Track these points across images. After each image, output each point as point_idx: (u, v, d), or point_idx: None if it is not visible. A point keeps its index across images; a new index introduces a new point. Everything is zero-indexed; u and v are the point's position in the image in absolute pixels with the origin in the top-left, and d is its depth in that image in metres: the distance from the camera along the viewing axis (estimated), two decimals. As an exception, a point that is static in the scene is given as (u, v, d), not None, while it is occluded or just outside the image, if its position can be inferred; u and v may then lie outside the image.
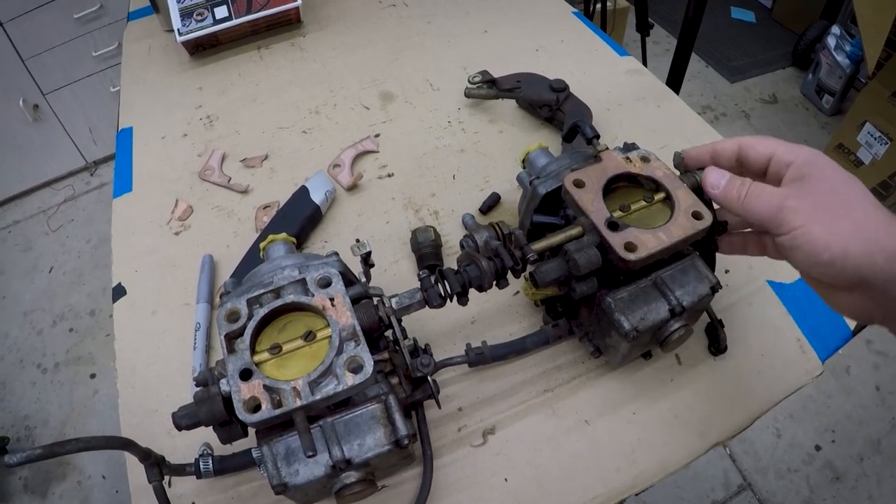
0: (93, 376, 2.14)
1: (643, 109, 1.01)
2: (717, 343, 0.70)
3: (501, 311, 0.75)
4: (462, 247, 0.72)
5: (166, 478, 0.62)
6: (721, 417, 0.67)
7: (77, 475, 1.92)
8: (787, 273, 0.78)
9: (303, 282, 0.54)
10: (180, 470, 0.58)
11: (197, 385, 0.55)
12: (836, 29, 2.68)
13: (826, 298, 0.52)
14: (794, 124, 2.80)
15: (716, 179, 0.54)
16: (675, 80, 1.86)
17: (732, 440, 1.73)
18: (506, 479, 0.63)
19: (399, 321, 0.55)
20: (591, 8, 2.24)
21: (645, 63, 2.16)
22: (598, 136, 0.66)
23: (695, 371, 0.70)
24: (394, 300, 0.56)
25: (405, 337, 0.57)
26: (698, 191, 0.59)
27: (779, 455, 1.82)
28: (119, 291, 0.83)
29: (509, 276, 0.59)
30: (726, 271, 0.79)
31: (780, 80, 3.08)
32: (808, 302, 0.76)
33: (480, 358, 0.67)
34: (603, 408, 0.67)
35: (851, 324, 0.74)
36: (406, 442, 0.50)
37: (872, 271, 0.44)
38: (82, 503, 1.87)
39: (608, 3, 2.55)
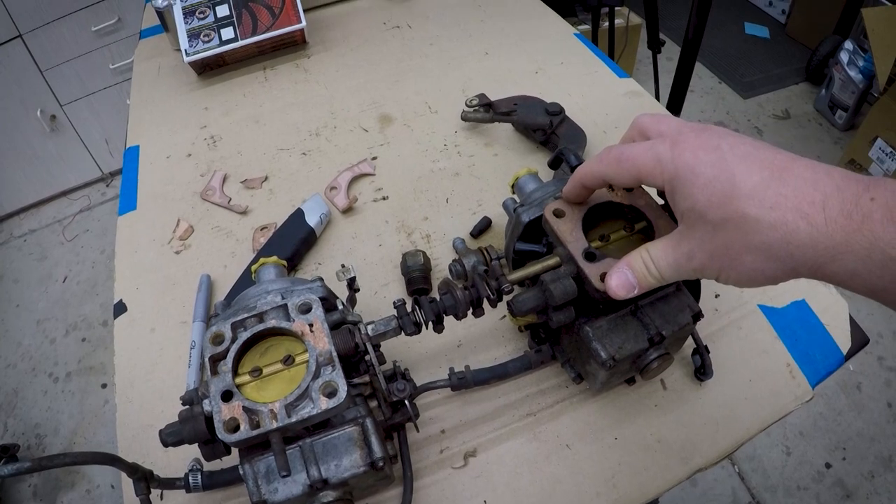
0: (104, 386, 2.18)
1: (640, 132, 1.02)
2: (702, 369, 0.71)
3: (487, 335, 0.76)
4: (450, 270, 0.74)
5: (158, 492, 0.64)
6: (705, 443, 0.67)
7: (86, 484, 1.95)
8: (778, 298, 0.78)
9: (285, 307, 0.56)
10: (170, 484, 0.60)
11: (183, 404, 0.56)
12: (848, 44, 2.67)
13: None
14: (807, 140, 2.80)
15: (623, 286, 0.51)
16: (676, 100, 1.87)
17: (741, 458, 1.74)
18: (485, 502, 0.64)
19: (376, 347, 0.57)
20: (598, 24, 2.25)
21: (656, 79, 2.17)
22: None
23: (680, 396, 0.71)
24: (370, 327, 0.58)
25: (383, 362, 0.59)
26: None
27: (788, 473, 1.81)
28: (120, 308, 0.85)
29: (492, 303, 0.60)
30: (716, 296, 0.79)
31: (794, 95, 3.08)
32: (800, 327, 0.76)
33: (463, 382, 0.68)
34: (584, 432, 0.68)
35: (844, 348, 0.75)
36: (381, 464, 0.52)
37: (812, 253, 0.39)
38: (90, 512, 1.90)
39: (620, 20, 2.57)
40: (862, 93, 2.66)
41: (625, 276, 0.50)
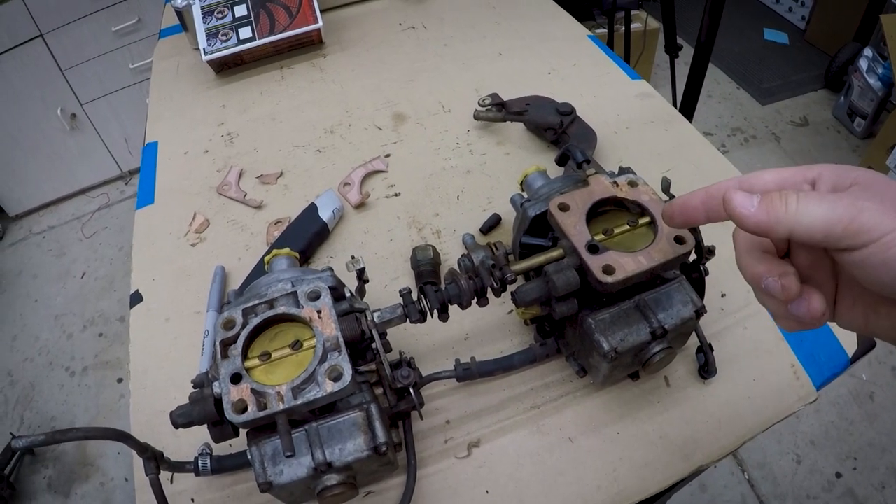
0: (119, 381, 2.21)
1: (651, 133, 1.02)
2: (706, 367, 0.71)
3: (495, 328, 0.77)
4: (459, 265, 0.75)
5: (170, 474, 0.66)
6: (707, 441, 0.68)
7: (100, 476, 1.97)
8: (784, 298, 0.78)
9: (295, 294, 0.58)
10: (180, 467, 0.62)
11: (194, 387, 0.58)
12: (868, 51, 2.65)
13: (872, 326, 0.41)
14: (825, 147, 2.77)
15: (745, 198, 0.39)
16: (688, 104, 1.86)
17: (751, 465, 1.73)
18: (487, 492, 0.65)
19: (382, 335, 0.58)
20: (614, 28, 2.26)
21: (674, 84, 2.17)
22: (587, 161, 0.68)
23: (683, 393, 0.71)
24: (376, 314, 0.59)
25: (389, 350, 0.60)
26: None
27: (798, 481, 1.79)
28: (136, 298, 0.87)
29: (495, 292, 0.61)
30: (722, 295, 0.79)
31: (812, 102, 3.05)
32: (806, 328, 0.76)
33: (468, 373, 0.69)
34: (587, 426, 0.69)
35: (850, 351, 0.74)
36: (384, 449, 0.53)
37: None
38: (104, 504, 1.92)
39: (638, 24, 2.57)
40: (881, 100, 2.63)
41: (747, 194, 0.39)
